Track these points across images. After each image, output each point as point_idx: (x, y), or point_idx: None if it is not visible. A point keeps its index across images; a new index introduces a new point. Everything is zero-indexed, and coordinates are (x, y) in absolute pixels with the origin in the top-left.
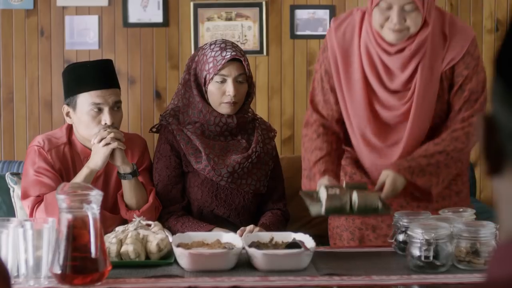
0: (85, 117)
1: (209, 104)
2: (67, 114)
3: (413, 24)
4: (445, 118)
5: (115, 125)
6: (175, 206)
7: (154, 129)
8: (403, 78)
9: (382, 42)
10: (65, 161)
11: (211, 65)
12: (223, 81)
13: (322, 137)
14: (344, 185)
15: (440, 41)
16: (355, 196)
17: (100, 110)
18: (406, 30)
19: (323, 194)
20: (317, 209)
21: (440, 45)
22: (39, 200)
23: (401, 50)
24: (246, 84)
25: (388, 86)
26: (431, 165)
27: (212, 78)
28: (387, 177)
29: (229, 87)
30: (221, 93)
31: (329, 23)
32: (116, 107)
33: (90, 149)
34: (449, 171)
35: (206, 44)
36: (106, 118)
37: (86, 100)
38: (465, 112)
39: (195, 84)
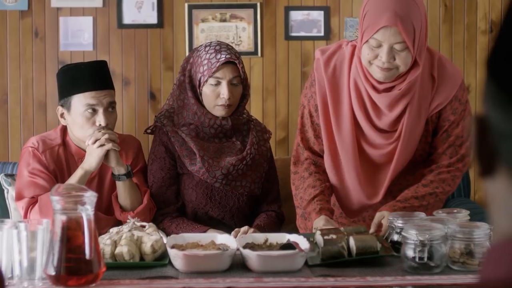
0: (80, 118)
1: (203, 106)
2: (62, 115)
3: (403, 63)
4: (425, 157)
5: (109, 126)
6: (169, 207)
7: (149, 131)
8: (391, 118)
9: (371, 78)
10: (60, 163)
11: (205, 67)
12: (218, 83)
13: (314, 175)
14: (342, 229)
15: (428, 84)
16: (352, 241)
17: (94, 111)
18: (395, 69)
19: (319, 241)
20: (314, 257)
21: (429, 88)
22: (33, 201)
23: (390, 89)
24: (240, 87)
25: (376, 124)
26: (422, 207)
27: (206, 81)
28: (383, 218)
29: (224, 90)
30: (215, 96)
31: (324, 24)
32: (110, 108)
33: (85, 150)
34: (433, 210)
35: (201, 46)
36: (100, 119)
37: (80, 101)
38: (450, 158)
39: (190, 86)
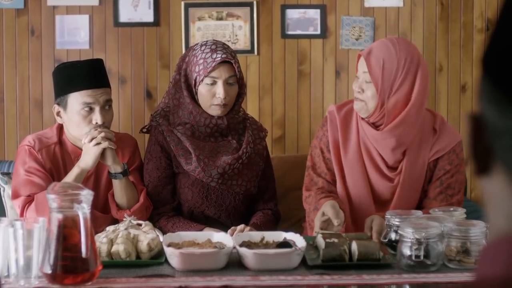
0: (76, 117)
1: (199, 105)
2: (58, 113)
3: (370, 96)
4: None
5: (106, 124)
6: (165, 207)
7: (145, 130)
8: (393, 158)
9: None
10: (56, 161)
11: (201, 67)
12: (213, 83)
13: (326, 193)
14: (343, 235)
15: (429, 134)
16: (354, 245)
17: (91, 110)
18: (364, 103)
19: (320, 243)
20: (314, 256)
21: (429, 137)
22: (29, 199)
23: (384, 126)
24: (236, 86)
25: (379, 165)
26: None
27: (202, 80)
28: (372, 221)
29: (219, 90)
30: (211, 95)
31: (320, 23)
32: (107, 107)
33: (81, 149)
34: None
35: (197, 44)
36: (97, 117)
37: (76, 99)
38: (441, 202)
39: (185, 85)
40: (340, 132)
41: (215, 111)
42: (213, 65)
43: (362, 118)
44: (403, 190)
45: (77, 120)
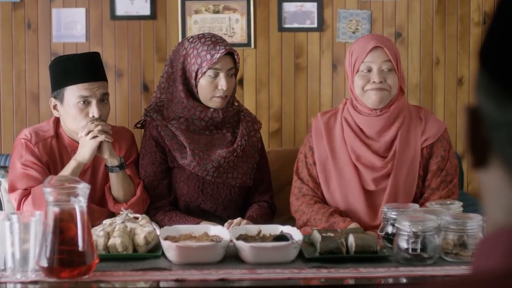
0: (73, 110)
1: (194, 99)
2: (55, 107)
3: (393, 83)
4: (418, 194)
5: (102, 117)
6: (162, 201)
7: (139, 125)
8: (385, 140)
9: (364, 108)
10: (52, 154)
11: (204, 58)
12: (216, 75)
13: (319, 203)
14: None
15: (417, 121)
16: (351, 238)
17: (87, 103)
18: (387, 92)
19: (317, 237)
20: (311, 250)
21: (417, 123)
22: (26, 193)
23: (380, 115)
24: (234, 78)
25: (369, 146)
26: None
27: (205, 72)
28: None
29: (222, 81)
30: (213, 87)
31: (317, 16)
32: (103, 100)
33: (78, 142)
34: None
35: (192, 38)
36: (93, 110)
37: (73, 92)
38: (442, 191)
39: (182, 78)
40: (325, 137)
41: (216, 103)
42: (217, 56)
43: (359, 111)
44: (396, 178)
45: (73, 113)
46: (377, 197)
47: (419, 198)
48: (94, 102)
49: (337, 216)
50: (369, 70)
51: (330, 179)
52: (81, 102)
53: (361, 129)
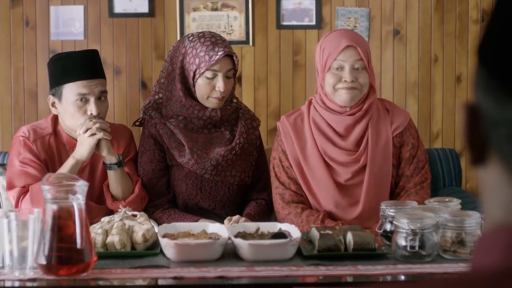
0: (71, 107)
1: (192, 97)
2: (53, 104)
3: (364, 82)
4: (393, 183)
5: (101, 115)
6: (160, 199)
7: (137, 123)
8: (355, 136)
9: (335, 106)
10: (51, 152)
11: (202, 59)
12: (214, 76)
13: (307, 210)
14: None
15: (384, 112)
16: (349, 236)
17: (85, 101)
18: (358, 91)
19: (315, 234)
20: (309, 248)
21: (385, 114)
22: (24, 191)
23: (351, 114)
24: (233, 79)
25: (339, 144)
26: None
27: (202, 73)
28: None
29: (219, 83)
30: (210, 88)
31: (315, 13)
32: (102, 98)
33: (76, 139)
34: None
35: (193, 36)
36: (92, 108)
37: (71, 90)
38: (416, 177)
39: (181, 77)
40: (294, 138)
41: (212, 103)
42: (216, 58)
43: (329, 109)
44: (372, 169)
45: (72, 111)
46: (355, 190)
47: (394, 187)
48: (92, 100)
49: (329, 221)
50: (341, 68)
51: (307, 179)
52: (79, 100)
53: (330, 126)
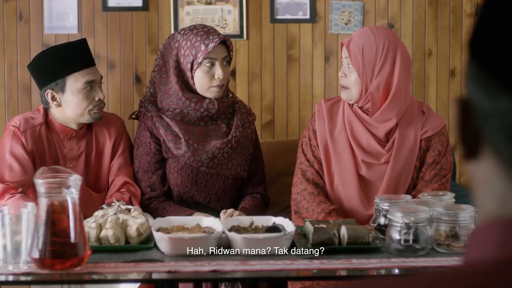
0: (78, 96)
1: (189, 90)
2: (53, 98)
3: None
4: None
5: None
6: (155, 192)
7: (134, 116)
8: (385, 128)
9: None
10: (40, 141)
11: (199, 49)
12: (212, 64)
13: (322, 197)
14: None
15: (419, 114)
16: (344, 229)
17: (91, 88)
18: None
19: (309, 228)
20: (304, 242)
21: (419, 117)
22: (8, 189)
23: (373, 112)
24: (229, 66)
25: (372, 131)
26: None
27: (201, 63)
28: None
29: (218, 71)
30: (210, 77)
31: (309, 7)
32: (101, 84)
33: (71, 128)
34: None
35: (184, 30)
36: (99, 94)
37: (77, 79)
38: (434, 184)
39: (177, 70)
40: (326, 121)
41: (213, 93)
42: (212, 45)
43: (351, 106)
44: (394, 166)
45: (79, 99)
46: (373, 186)
47: (412, 189)
48: (97, 86)
49: (334, 215)
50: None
51: (330, 162)
52: (87, 88)
53: (363, 112)
